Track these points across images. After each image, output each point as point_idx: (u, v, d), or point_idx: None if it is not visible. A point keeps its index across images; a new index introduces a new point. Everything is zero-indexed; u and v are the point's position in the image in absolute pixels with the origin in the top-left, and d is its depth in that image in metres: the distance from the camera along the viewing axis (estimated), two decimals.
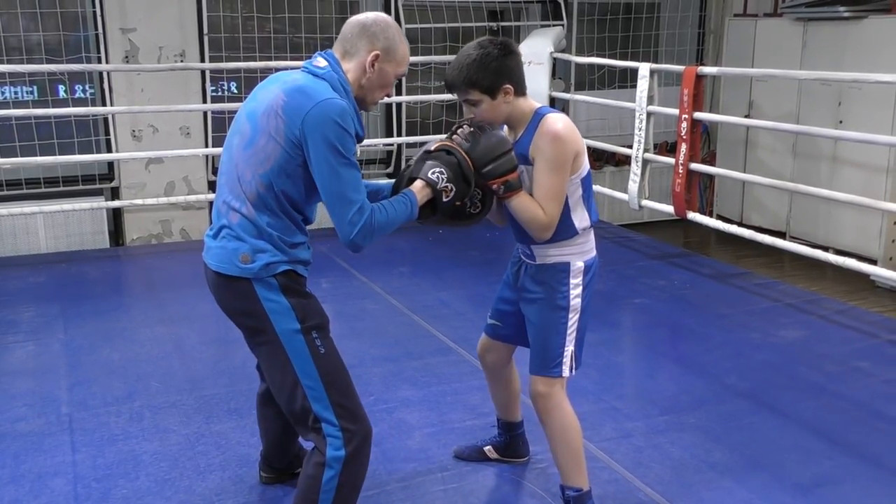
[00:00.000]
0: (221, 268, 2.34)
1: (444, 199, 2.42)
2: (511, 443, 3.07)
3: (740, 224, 6.29)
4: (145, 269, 5.81)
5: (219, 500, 2.88)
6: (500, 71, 2.43)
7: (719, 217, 6.70)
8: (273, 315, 2.32)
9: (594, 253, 2.64)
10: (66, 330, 4.46)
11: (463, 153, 2.43)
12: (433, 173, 2.40)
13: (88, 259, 5.83)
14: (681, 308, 4.94)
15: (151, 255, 6.01)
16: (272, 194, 2.28)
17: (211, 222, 2.45)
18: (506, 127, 2.59)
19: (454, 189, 2.42)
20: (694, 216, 5.83)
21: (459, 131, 2.51)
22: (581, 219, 2.56)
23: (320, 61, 2.35)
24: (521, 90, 2.49)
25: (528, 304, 2.65)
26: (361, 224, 2.25)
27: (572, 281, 2.57)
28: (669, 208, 5.94)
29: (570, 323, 2.58)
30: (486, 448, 3.10)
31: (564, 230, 2.53)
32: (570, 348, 2.59)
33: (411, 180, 2.44)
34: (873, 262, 5.45)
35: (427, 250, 6.09)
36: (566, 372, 2.60)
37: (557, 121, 2.46)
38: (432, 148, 2.47)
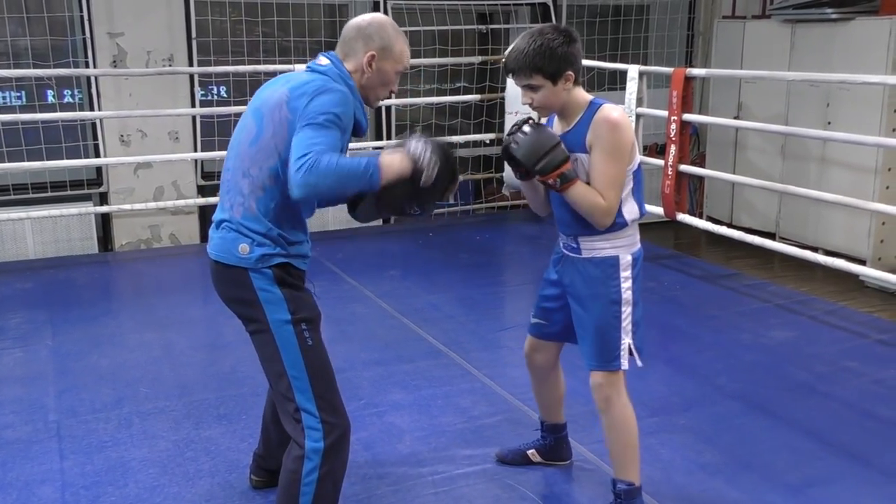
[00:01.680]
0: (220, 257, 2.41)
1: (424, 181, 2.30)
2: (555, 446, 3.07)
3: (730, 225, 6.31)
4: (134, 274, 5.78)
5: None
6: (565, 57, 2.47)
7: (709, 218, 6.71)
8: (266, 304, 2.38)
9: (639, 245, 2.66)
10: (54, 336, 4.43)
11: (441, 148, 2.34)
12: (416, 144, 2.32)
13: (77, 265, 5.79)
14: (671, 309, 4.94)
15: (140, 261, 5.98)
16: (279, 188, 2.33)
17: (210, 222, 2.51)
18: (556, 116, 2.62)
19: (439, 168, 2.31)
20: (684, 218, 5.84)
21: (518, 129, 2.53)
22: (631, 211, 2.59)
23: (322, 60, 2.43)
24: (578, 79, 2.54)
25: (578, 300, 2.66)
26: (305, 165, 2.14)
27: (622, 274, 2.60)
28: (659, 210, 5.95)
29: (624, 316, 2.61)
30: (530, 452, 3.09)
31: (615, 222, 2.56)
32: (626, 341, 2.62)
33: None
34: (862, 262, 5.46)
35: (417, 253, 6.08)
36: (625, 365, 2.63)
37: (615, 110, 2.52)
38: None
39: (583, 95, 2.56)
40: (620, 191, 2.52)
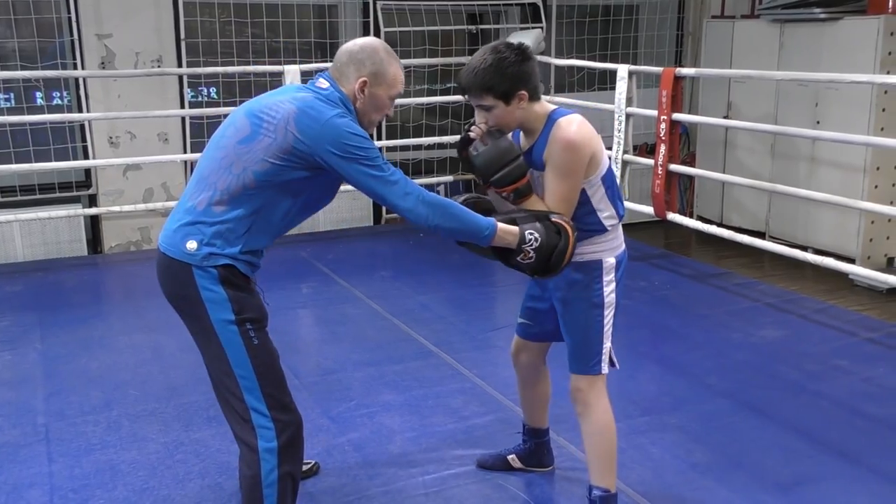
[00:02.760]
0: (168, 250, 2.35)
1: (520, 258, 2.42)
2: (536, 450, 3.04)
3: (720, 224, 6.32)
4: (124, 276, 5.76)
5: None
6: (517, 76, 2.41)
7: (699, 218, 6.72)
8: (209, 304, 2.32)
9: (623, 247, 2.63)
10: (42, 339, 4.41)
11: (570, 237, 2.42)
12: (531, 233, 2.40)
13: (66, 267, 5.77)
14: (661, 309, 4.95)
15: (130, 263, 5.96)
16: (256, 193, 2.29)
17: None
18: (521, 133, 2.57)
19: (535, 259, 2.41)
20: (674, 217, 5.85)
21: (472, 134, 2.49)
22: (608, 216, 2.55)
23: (322, 83, 2.40)
24: (535, 96, 2.48)
25: (562, 303, 2.63)
26: (417, 194, 2.30)
27: (605, 278, 2.56)
28: (649, 209, 5.96)
29: (606, 320, 2.58)
30: (510, 457, 3.07)
31: (593, 229, 2.54)
32: (607, 345, 2.59)
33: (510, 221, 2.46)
34: (851, 261, 5.48)
35: (408, 254, 6.08)
36: (605, 369, 2.60)
37: (570, 125, 2.44)
38: (553, 218, 2.45)
39: (542, 109, 2.50)
40: (573, 206, 2.48)
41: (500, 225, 2.41)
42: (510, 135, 2.54)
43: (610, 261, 2.58)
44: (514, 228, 2.42)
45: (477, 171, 2.50)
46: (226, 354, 2.34)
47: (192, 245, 2.30)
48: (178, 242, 2.33)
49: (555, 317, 2.72)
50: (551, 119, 2.48)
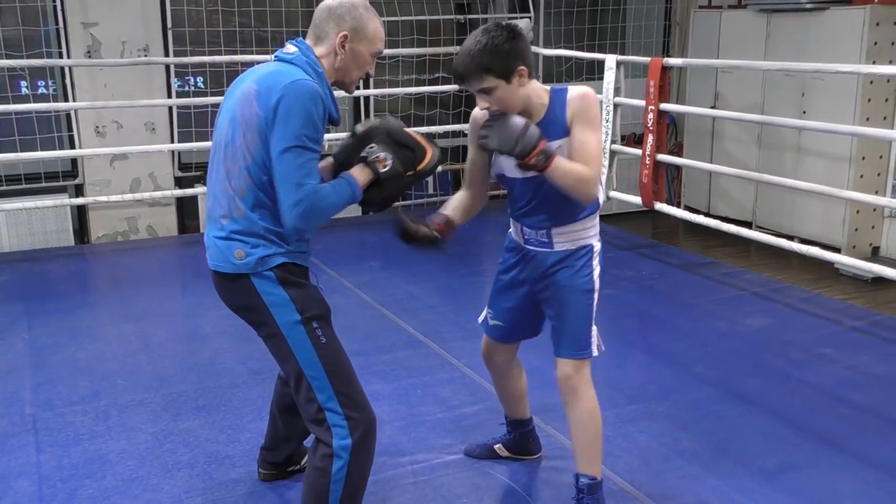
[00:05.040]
0: (219, 266, 2.35)
1: (383, 170, 2.38)
2: (521, 440, 3.06)
3: (707, 214, 6.35)
4: (111, 266, 5.74)
5: (187, 497, 2.86)
6: (513, 53, 2.37)
7: (686, 207, 6.74)
8: (273, 308, 2.33)
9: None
10: (30, 329, 4.39)
11: (386, 125, 2.43)
12: (365, 151, 2.39)
13: (53, 257, 5.74)
14: (649, 298, 4.98)
15: (117, 253, 5.94)
16: (260, 186, 2.27)
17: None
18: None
19: (389, 157, 2.39)
20: (661, 207, 5.87)
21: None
22: (600, 192, 2.57)
23: (290, 48, 2.36)
24: (532, 73, 2.47)
25: (551, 291, 2.63)
26: (304, 208, 2.22)
27: (594, 262, 2.60)
28: (637, 199, 5.98)
29: (594, 304, 2.62)
30: (497, 446, 3.09)
31: (589, 207, 2.56)
32: (594, 328, 2.63)
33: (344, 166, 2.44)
34: (837, 250, 5.52)
35: (397, 243, 6.05)
36: (595, 351, 2.63)
37: (583, 87, 2.50)
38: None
39: (541, 88, 2.51)
40: (601, 161, 2.49)
41: (352, 174, 2.36)
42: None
43: (597, 246, 2.63)
44: (356, 166, 2.39)
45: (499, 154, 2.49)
46: (295, 356, 2.33)
47: (239, 254, 2.30)
48: (224, 256, 2.33)
49: (527, 315, 2.73)
50: (558, 90, 2.50)
